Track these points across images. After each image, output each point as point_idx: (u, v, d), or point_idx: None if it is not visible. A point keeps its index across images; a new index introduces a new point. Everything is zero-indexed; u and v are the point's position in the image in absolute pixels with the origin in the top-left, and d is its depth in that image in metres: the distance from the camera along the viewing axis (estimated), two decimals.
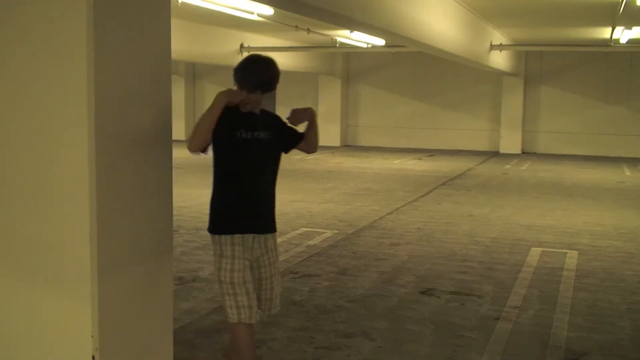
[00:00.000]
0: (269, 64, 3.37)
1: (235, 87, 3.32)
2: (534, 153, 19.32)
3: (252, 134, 3.35)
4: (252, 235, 3.40)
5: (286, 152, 3.61)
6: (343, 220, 8.53)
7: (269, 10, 10.30)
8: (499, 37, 14.63)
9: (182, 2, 9.48)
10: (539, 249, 7.26)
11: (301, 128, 3.60)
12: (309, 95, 21.01)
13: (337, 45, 15.74)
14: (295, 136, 3.61)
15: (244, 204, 3.40)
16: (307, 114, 3.53)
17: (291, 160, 15.92)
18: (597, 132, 18.85)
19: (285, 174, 13.56)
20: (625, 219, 9.19)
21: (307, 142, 3.63)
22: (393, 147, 19.67)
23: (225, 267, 3.34)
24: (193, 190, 10.94)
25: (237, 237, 3.36)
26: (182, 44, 13.11)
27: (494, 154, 18.99)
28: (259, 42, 16.19)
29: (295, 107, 3.59)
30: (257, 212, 3.43)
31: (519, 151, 19.36)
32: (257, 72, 3.33)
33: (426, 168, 15.35)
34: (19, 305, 3.03)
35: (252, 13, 10.60)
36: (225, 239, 3.36)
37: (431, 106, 20.25)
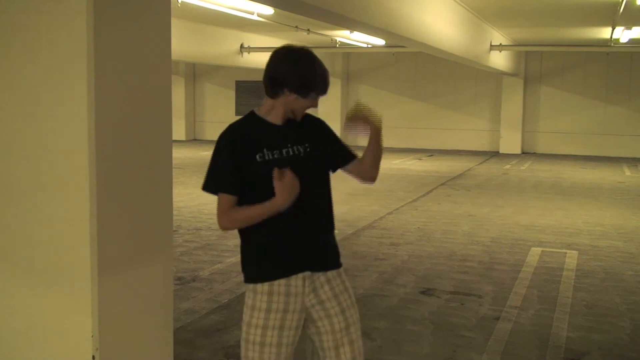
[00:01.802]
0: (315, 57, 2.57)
1: (288, 95, 2.51)
2: (534, 153, 19.33)
3: (280, 152, 2.51)
4: (301, 275, 2.54)
5: (333, 170, 2.75)
6: (343, 220, 8.52)
7: (269, 10, 10.31)
8: (498, 37, 14.63)
9: (182, 2, 9.48)
10: (539, 249, 7.26)
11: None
12: None
13: (337, 45, 15.74)
14: (343, 155, 2.71)
15: (284, 240, 2.54)
16: (371, 125, 2.63)
17: None
18: (597, 132, 18.85)
19: None
20: (625, 219, 9.19)
21: (362, 165, 2.72)
22: (393, 147, 19.66)
23: (257, 322, 2.54)
24: (193, 190, 10.91)
25: (277, 284, 2.53)
26: (182, 44, 13.12)
27: (494, 154, 19.00)
28: (259, 42, 16.19)
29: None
30: (305, 246, 2.57)
31: (518, 151, 19.37)
32: (320, 69, 2.53)
33: (426, 168, 15.35)
34: (19, 305, 3.03)
35: (252, 13, 10.61)
36: (262, 287, 2.54)
37: (431, 106, 20.25)
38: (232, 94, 22.39)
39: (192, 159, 15.64)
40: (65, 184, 2.84)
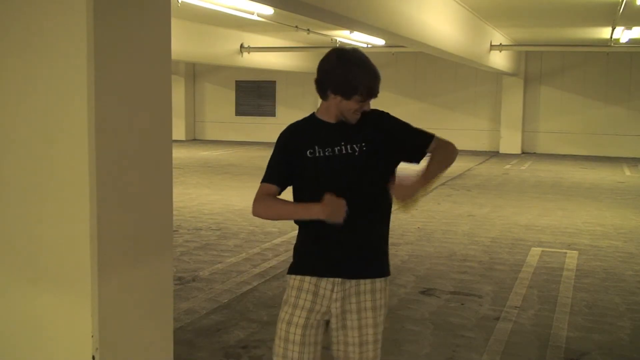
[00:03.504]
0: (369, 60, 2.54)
1: (333, 97, 2.49)
2: (534, 153, 19.32)
3: (332, 150, 2.50)
4: (331, 279, 2.52)
5: (413, 159, 2.62)
6: None
7: (269, 10, 10.31)
8: (499, 37, 14.63)
9: (182, 2, 9.48)
10: (539, 249, 7.26)
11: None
12: (309, 96, 21.02)
13: (337, 45, 15.73)
14: (419, 145, 2.62)
15: (322, 240, 2.52)
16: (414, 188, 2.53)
17: None
18: (597, 132, 18.84)
19: None
20: (625, 219, 9.19)
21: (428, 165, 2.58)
22: None
23: (284, 317, 2.57)
24: (193, 190, 10.93)
25: (307, 281, 2.54)
26: (182, 44, 13.11)
27: (494, 154, 19.00)
28: (259, 42, 16.18)
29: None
30: (341, 250, 2.51)
31: (518, 151, 19.36)
32: (364, 72, 2.47)
33: None
34: (19, 305, 3.03)
35: (252, 13, 10.60)
36: (294, 281, 2.57)
37: (431, 106, 20.25)
38: (232, 94, 22.39)
39: (192, 159, 15.63)
40: (65, 184, 2.84)
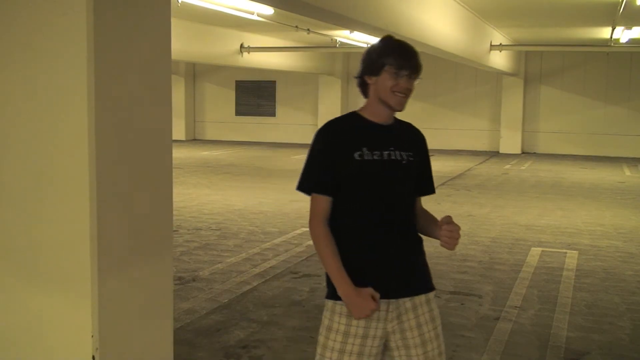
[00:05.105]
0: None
1: (370, 83, 2.37)
2: (534, 153, 19.33)
3: (380, 154, 2.34)
4: (386, 301, 2.32)
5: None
6: None
7: (269, 10, 10.31)
8: (499, 37, 14.63)
9: (182, 2, 9.48)
10: (539, 249, 7.26)
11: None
12: (309, 95, 21.01)
13: (337, 45, 15.73)
14: (425, 184, 2.57)
15: (373, 256, 2.32)
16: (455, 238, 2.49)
17: (290, 160, 15.92)
18: (597, 132, 18.85)
19: (284, 174, 13.57)
20: (625, 219, 9.19)
21: (421, 211, 2.62)
22: None
23: (334, 345, 2.31)
24: (193, 190, 10.94)
25: None
26: (182, 44, 13.12)
27: (494, 154, 19.00)
28: (259, 42, 16.18)
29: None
30: (393, 271, 2.36)
31: (518, 151, 19.37)
32: (394, 44, 2.35)
33: None
34: (18, 305, 3.03)
35: (252, 13, 10.60)
36: (341, 307, 2.31)
37: (431, 106, 20.24)
38: (232, 94, 22.39)
39: (192, 159, 15.64)
40: (65, 184, 2.84)
